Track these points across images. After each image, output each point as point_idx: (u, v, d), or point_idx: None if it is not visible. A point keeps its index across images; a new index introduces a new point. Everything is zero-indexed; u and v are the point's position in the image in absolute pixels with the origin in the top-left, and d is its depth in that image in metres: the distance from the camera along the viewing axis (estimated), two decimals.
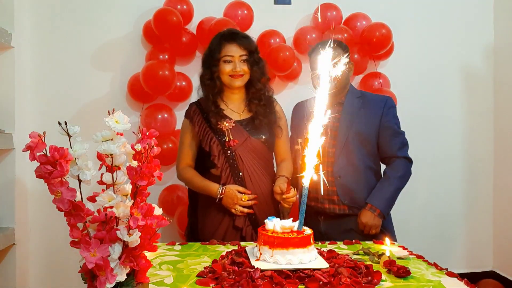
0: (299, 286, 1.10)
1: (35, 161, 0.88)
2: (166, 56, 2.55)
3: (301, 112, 2.04)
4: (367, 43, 2.66)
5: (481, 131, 3.04)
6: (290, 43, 2.74)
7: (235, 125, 1.82)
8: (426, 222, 2.97)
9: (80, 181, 0.93)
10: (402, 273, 1.20)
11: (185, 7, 2.56)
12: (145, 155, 0.98)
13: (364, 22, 2.73)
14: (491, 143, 3.05)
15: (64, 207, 0.89)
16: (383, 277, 1.18)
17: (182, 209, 2.40)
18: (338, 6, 2.72)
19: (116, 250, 0.90)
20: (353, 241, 1.60)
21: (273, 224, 1.25)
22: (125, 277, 0.93)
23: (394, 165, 1.97)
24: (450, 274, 1.24)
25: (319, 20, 2.58)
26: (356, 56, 2.69)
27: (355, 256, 1.38)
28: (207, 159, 1.82)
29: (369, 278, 1.16)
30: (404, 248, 1.51)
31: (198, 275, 1.19)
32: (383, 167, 2.05)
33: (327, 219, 1.96)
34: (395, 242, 1.65)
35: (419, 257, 1.42)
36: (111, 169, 0.98)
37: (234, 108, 1.88)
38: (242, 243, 1.53)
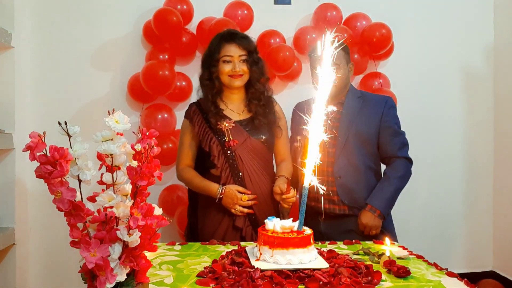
0: (299, 286, 1.10)
1: (35, 161, 0.88)
2: (166, 56, 2.56)
3: (301, 112, 2.03)
4: (367, 43, 2.66)
5: (481, 131, 3.04)
6: (290, 43, 2.74)
7: (235, 125, 1.82)
8: (426, 222, 2.97)
9: (80, 181, 0.94)
10: (402, 273, 1.20)
11: (185, 7, 2.56)
12: (145, 155, 0.98)
13: (364, 22, 2.72)
14: (491, 143, 3.05)
15: (64, 207, 0.89)
16: (383, 277, 1.18)
17: (182, 209, 2.40)
18: (338, 6, 2.72)
19: (116, 250, 0.90)
20: (353, 241, 1.60)
21: (273, 224, 1.25)
22: (125, 277, 0.93)
23: (394, 165, 1.97)
24: (450, 274, 1.24)
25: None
26: (356, 56, 2.69)
27: (355, 256, 1.38)
28: (207, 159, 1.82)
29: (369, 278, 1.16)
30: (404, 248, 1.51)
31: (198, 275, 1.19)
32: (383, 167, 2.04)
33: (327, 219, 1.96)
34: (395, 242, 1.65)
35: (419, 257, 1.42)
36: (111, 169, 0.98)
37: (234, 108, 1.88)
38: (242, 243, 1.53)
